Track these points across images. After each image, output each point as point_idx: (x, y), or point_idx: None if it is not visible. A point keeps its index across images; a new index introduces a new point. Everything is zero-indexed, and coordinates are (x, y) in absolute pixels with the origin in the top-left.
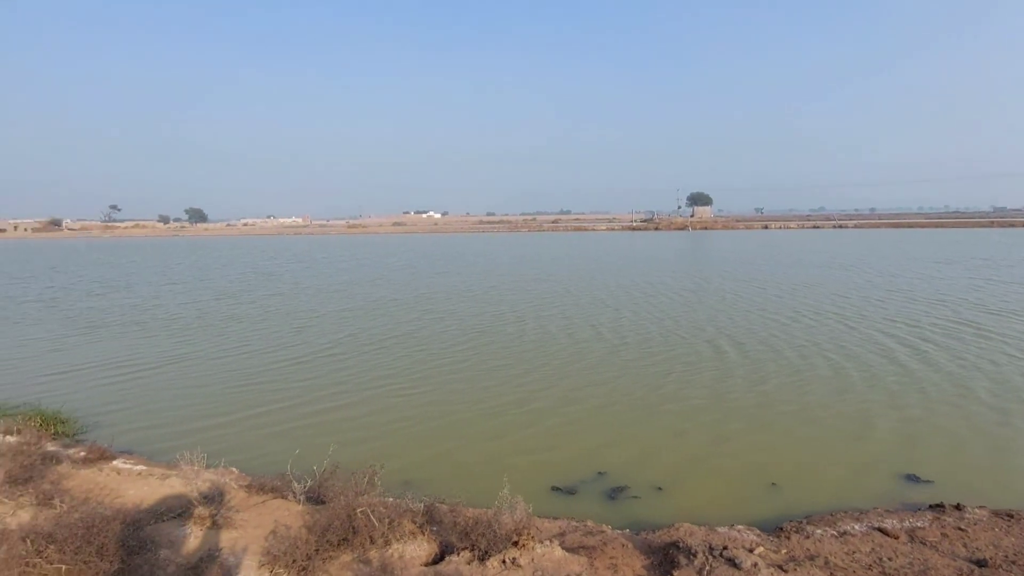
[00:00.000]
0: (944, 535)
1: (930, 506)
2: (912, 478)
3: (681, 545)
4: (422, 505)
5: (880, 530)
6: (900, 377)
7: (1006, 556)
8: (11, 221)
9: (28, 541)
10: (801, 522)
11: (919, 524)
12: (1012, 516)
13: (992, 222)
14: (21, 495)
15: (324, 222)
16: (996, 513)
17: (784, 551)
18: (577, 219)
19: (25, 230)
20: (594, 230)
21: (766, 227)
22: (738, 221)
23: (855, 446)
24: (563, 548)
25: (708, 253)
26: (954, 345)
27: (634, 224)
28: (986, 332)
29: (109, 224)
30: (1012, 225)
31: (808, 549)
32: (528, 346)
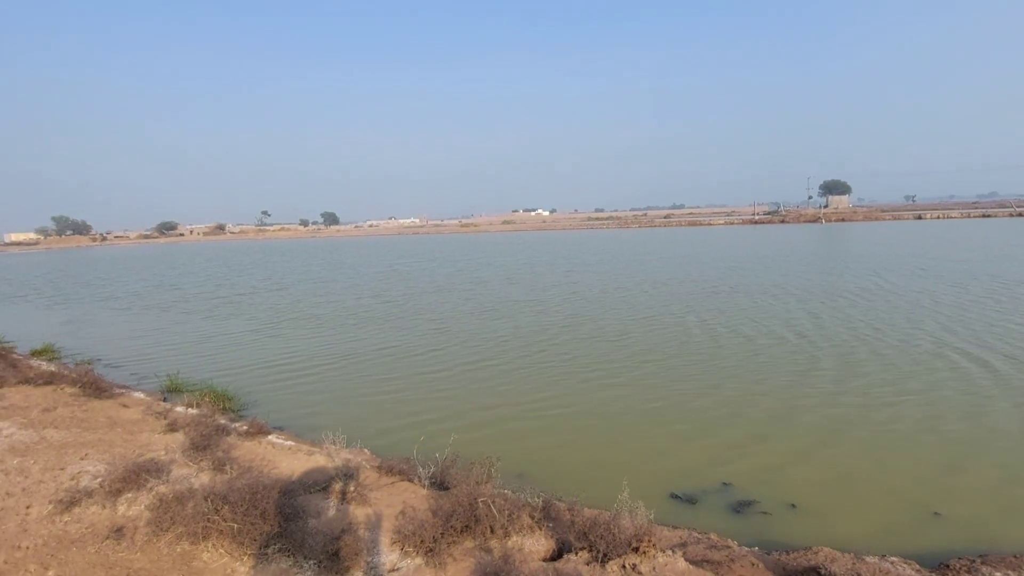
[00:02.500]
0: None
1: None
2: None
3: (823, 572)
4: (540, 500)
5: None
6: None
7: None
8: (188, 227)
9: (209, 500)
10: (974, 560)
11: None
12: None
13: None
14: (201, 460)
15: (439, 222)
16: None
17: None
18: (691, 213)
19: (198, 234)
20: (710, 224)
21: (920, 217)
22: (883, 211)
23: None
24: (686, 560)
25: (843, 249)
26: None
27: (756, 217)
28: None
29: (262, 228)
30: None
31: None
32: (665, 347)
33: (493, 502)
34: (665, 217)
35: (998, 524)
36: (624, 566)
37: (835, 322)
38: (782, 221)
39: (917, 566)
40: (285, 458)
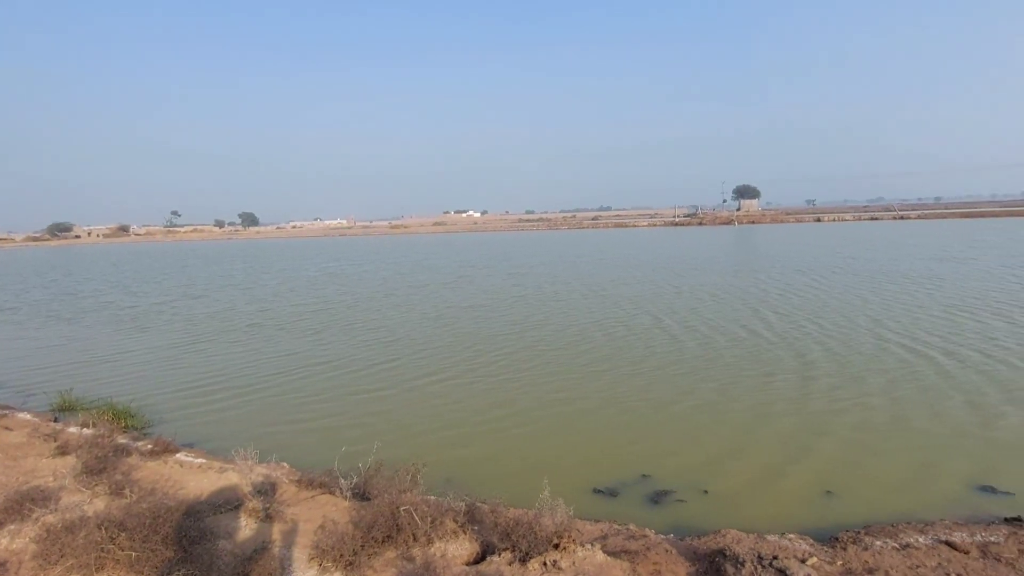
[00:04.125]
0: (1021, 551)
1: (1005, 519)
2: (988, 489)
3: (728, 553)
4: (463, 504)
5: (948, 544)
6: (987, 381)
7: None
8: (85, 228)
9: (103, 528)
10: (859, 532)
11: (993, 539)
12: None
13: None
14: (96, 484)
15: (367, 223)
16: None
17: (840, 563)
18: (618, 215)
19: (98, 236)
20: (635, 226)
21: (818, 220)
22: (788, 214)
23: (925, 454)
24: (605, 552)
25: (757, 249)
26: None
27: (676, 219)
28: None
29: (171, 229)
30: None
31: (866, 561)
32: (575, 345)
33: (416, 509)
34: (593, 219)
35: (882, 500)
36: (545, 563)
37: (782, 321)
38: (700, 223)
39: (811, 540)
40: (194, 477)
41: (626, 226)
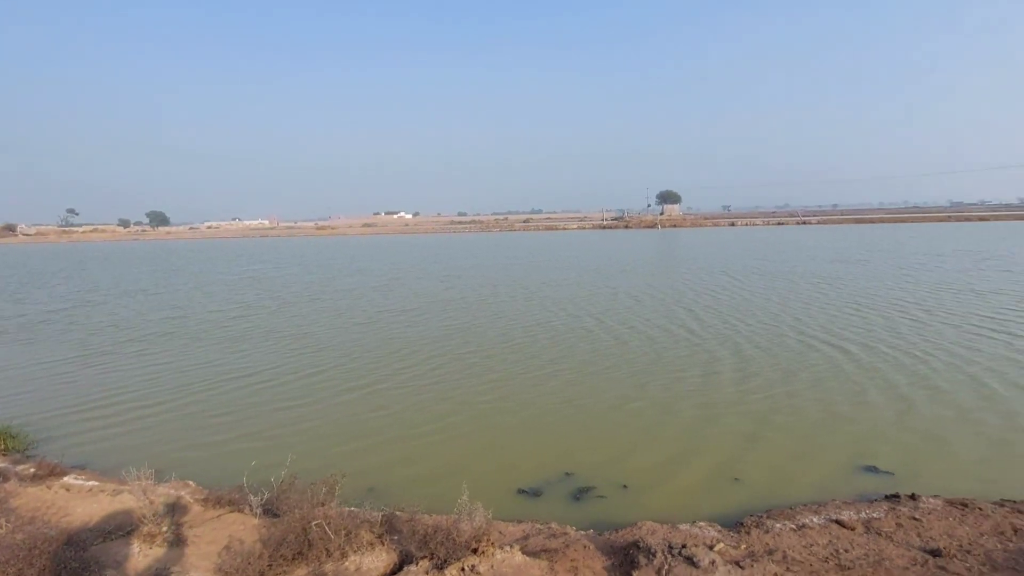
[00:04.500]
0: (899, 525)
1: (886, 496)
2: (871, 469)
3: (641, 544)
4: (380, 515)
5: (837, 522)
6: (863, 375)
7: (960, 545)
8: None
9: None
10: (762, 516)
11: (875, 515)
12: (966, 505)
13: (948, 216)
14: None
15: (291, 224)
16: (950, 502)
17: (744, 546)
18: (548, 218)
19: None
20: (565, 229)
21: (733, 224)
22: (706, 219)
23: (820, 439)
24: (524, 552)
25: (681, 251)
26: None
27: (604, 223)
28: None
29: (66, 229)
30: (968, 219)
31: (767, 544)
32: (507, 349)
33: (329, 523)
34: (524, 221)
35: (783, 485)
36: (463, 568)
37: (706, 322)
38: (626, 226)
39: (719, 527)
40: (83, 502)
41: (556, 228)
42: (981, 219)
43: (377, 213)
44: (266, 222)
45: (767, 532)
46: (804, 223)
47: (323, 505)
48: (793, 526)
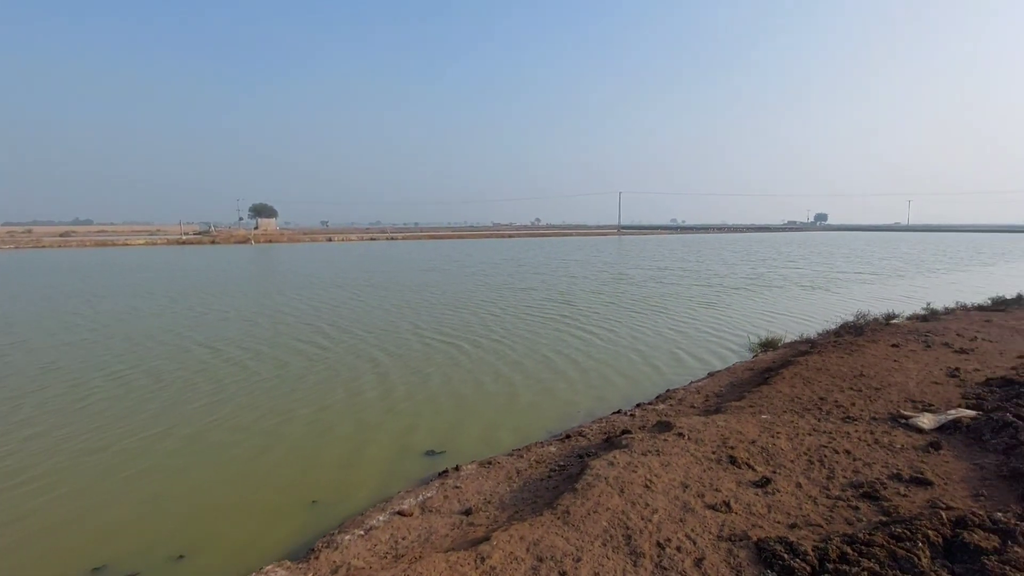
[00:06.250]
0: (446, 497)
1: (438, 474)
2: (431, 453)
3: None
4: None
5: (399, 513)
6: (390, 367)
7: (485, 499)
8: None
9: None
10: (334, 533)
11: (429, 495)
12: (491, 463)
13: (491, 234)
14: None
15: None
16: (481, 464)
17: (311, 574)
18: (102, 231)
19: None
20: (127, 244)
21: (331, 239)
22: (305, 234)
23: (382, 437)
24: None
25: (283, 267)
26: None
27: (184, 238)
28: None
29: None
30: (502, 236)
31: (334, 561)
32: (75, 409)
33: None
34: (62, 235)
35: (363, 490)
36: None
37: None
38: (213, 241)
39: (289, 563)
40: None
41: (113, 244)
42: (510, 236)
43: None
44: None
45: (336, 549)
46: (392, 239)
47: None
48: (362, 532)
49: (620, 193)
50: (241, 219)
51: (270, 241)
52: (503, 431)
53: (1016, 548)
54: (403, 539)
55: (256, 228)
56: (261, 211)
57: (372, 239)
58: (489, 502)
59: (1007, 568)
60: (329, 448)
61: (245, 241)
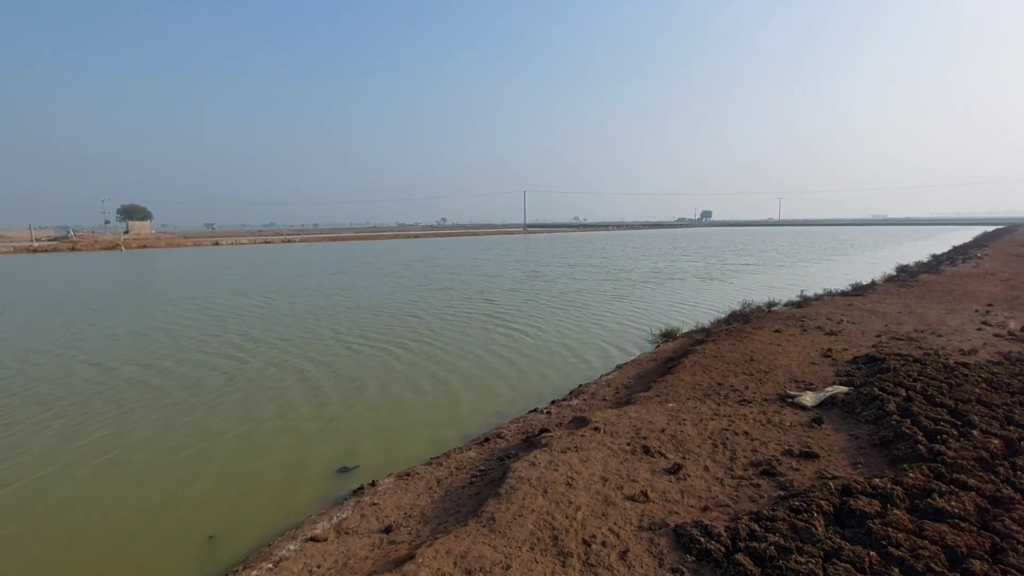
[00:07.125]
0: (363, 515)
1: (353, 491)
2: (343, 470)
3: None
4: None
5: (312, 539)
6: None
7: (405, 513)
8: None
9: None
10: (237, 570)
11: (344, 515)
12: (409, 474)
13: (396, 235)
14: None
15: None
16: (399, 476)
17: None
18: None
19: None
20: None
21: (217, 243)
22: (186, 237)
23: (298, 455)
24: None
25: (162, 276)
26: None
27: (36, 244)
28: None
29: None
30: (408, 237)
31: None
32: None
33: None
34: None
35: (266, 521)
36: None
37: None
38: (73, 248)
39: None
40: None
41: None
42: (416, 236)
43: None
44: None
45: None
46: (289, 241)
47: None
48: (270, 565)
49: (525, 192)
50: (107, 222)
51: (144, 246)
52: (449, 431)
53: (895, 511)
54: (318, 567)
55: (127, 232)
56: (132, 213)
57: (267, 241)
58: (410, 516)
59: (889, 529)
60: (223, 476)
61: (113, 247)
